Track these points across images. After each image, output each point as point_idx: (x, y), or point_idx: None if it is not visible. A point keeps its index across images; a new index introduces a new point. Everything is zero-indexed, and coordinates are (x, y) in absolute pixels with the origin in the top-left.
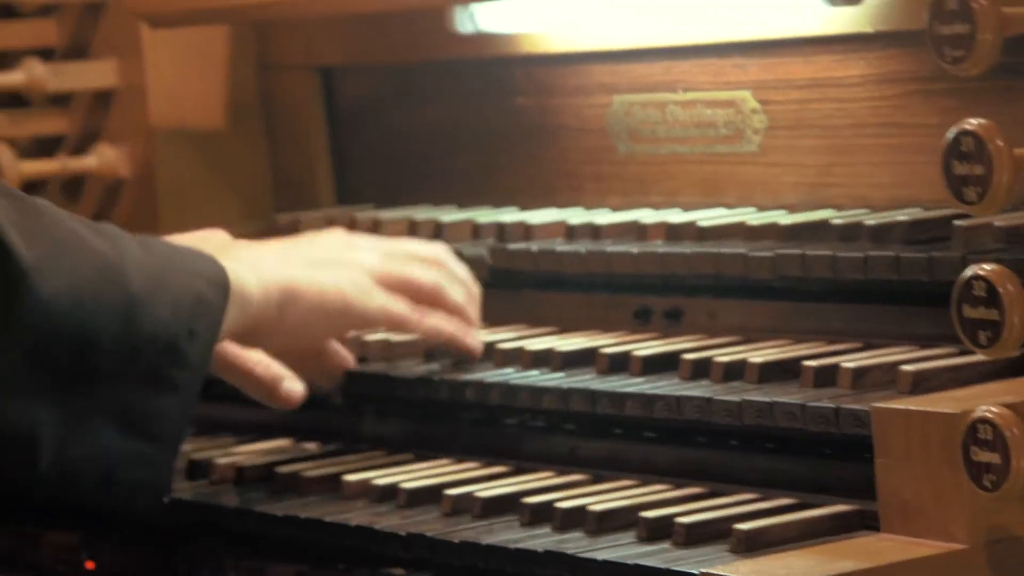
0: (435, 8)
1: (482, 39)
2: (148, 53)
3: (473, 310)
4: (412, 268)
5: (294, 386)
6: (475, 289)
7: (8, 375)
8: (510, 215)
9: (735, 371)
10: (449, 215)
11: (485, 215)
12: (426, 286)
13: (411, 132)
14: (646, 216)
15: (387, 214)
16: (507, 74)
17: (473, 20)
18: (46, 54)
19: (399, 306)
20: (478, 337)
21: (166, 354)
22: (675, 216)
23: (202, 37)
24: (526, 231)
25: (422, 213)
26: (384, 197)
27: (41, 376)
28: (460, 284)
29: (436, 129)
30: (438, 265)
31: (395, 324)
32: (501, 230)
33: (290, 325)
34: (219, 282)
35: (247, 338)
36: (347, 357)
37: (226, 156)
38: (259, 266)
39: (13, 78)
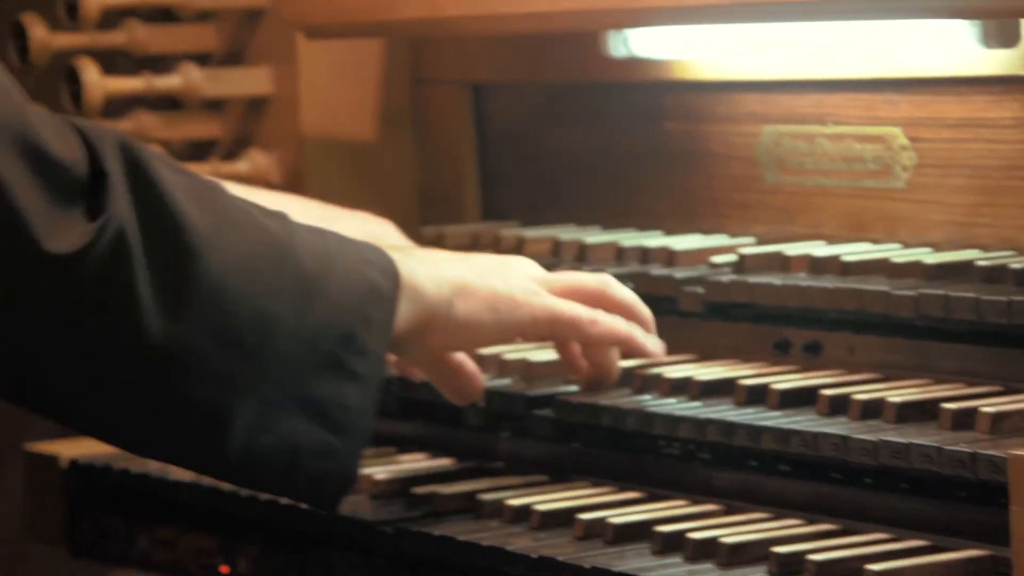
0: (590, 31)
1: (635, 63)
2: (303, 63)
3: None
4: (578, 275)
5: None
6: (645, 310)
7: (197, 355)
8: (654, 239)
9: (873, 409)
10: (593, 236)
11: (629, 238)
12: (595, 287)
13: (559, 152)
14: (790, 248)
15: (531, 232)
16: (657, 99)
17: (627, 45)
18: (202, 59)
19: (571, 306)
20: (656, 342)
21: (343, 342)
22: (819, 249)
23: (357, 49)
24: (669, 256)
25: (566, 233)
26: (529, 215)
27: (229, 358)
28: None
29: (584, 150)
30: (604, 288)
31: (566, 324)
32: (644, 254)
33: (460, 322)
34: (390, 271)
35: (419, 333)
36: (480, 377)
37: (375, 167)
38: (431, 263)
39: (170, 82)
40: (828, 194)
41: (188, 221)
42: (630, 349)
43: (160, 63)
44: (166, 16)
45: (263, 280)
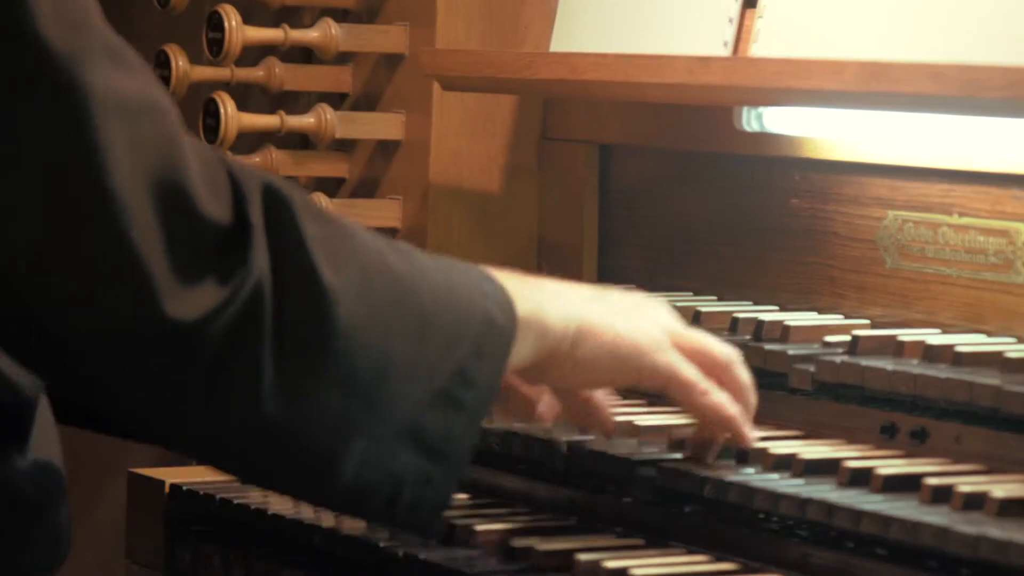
0: (724, 105)
1: (765, 138)
2: (436, 112)
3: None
4: (708, 339)
5: (552, 405)
6: (754, 399)
7: (317, 409)
8: (769, 314)
9: (975, 501)
10: (709, 306)
11: (745, 310)
12: (720, 359)
13: (681, 218)
14: (905, 334)
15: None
16: (785, 175)
17: (760, 120)
18: (337, 100)
19: (690, 369)
20: (753, 432)
21: (455, 375)
22: (934, 337)
23: (489, 102)
24: (783, 331)
25: (683, 300)
26: (645, 279)
27: (350, 405)
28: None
29: (706, 219)
30: (729, 362)
31: (680, 386)
32: (759, 327)
33: (580, 362)
34: (507, 306)
35: (537, 369)
36: (610, 417)
37: (497, 220)
38: (561, 300)
39: (304, 121)
40: (946, 283)
41: (325, 283)
42: (730, 430)
43: (294, 101)
44: (305, 56)
45: (386, 324)
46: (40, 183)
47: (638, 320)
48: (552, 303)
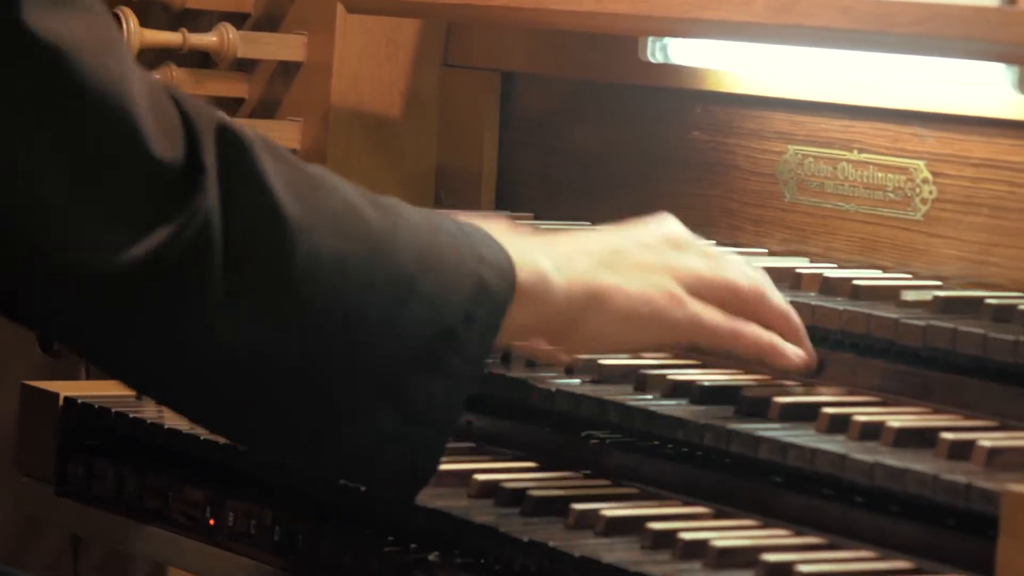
0: (631, 35)
1: (668, 69)
2: (339, 34)
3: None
4: (731, 272)
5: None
6: (797, 320)
7: (288, 347)
8: None
9: (871, 432)
10: None
11: None
12: (747, 291)
13: (581, 149)
14: (802, 267)
15: (546, 225)
16: (687, 107)
17: (664, 51)
18: (239, 20)
19: (713, 315)
20: (798, 352)
21: (440, 337)
22: (831, 271)
23: (392, 26)
24: None
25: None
26: (543, 209)
27: (315, 355)
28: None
29: (605, 150)
30: (760, 295)
31: (707, 337)
32: None
33: (591, 331)
34: (503, 269)
35: (545, 334)
36: None
37: (396, 146)
38: (566, 263)
39: (206, 39)
40: (844, 218)
41: (282, 208)
42: (771, 361)
43: (195, 20)
44: None
45: (358, 271)
46: None
47: (652, 273)
48: (560, 267)
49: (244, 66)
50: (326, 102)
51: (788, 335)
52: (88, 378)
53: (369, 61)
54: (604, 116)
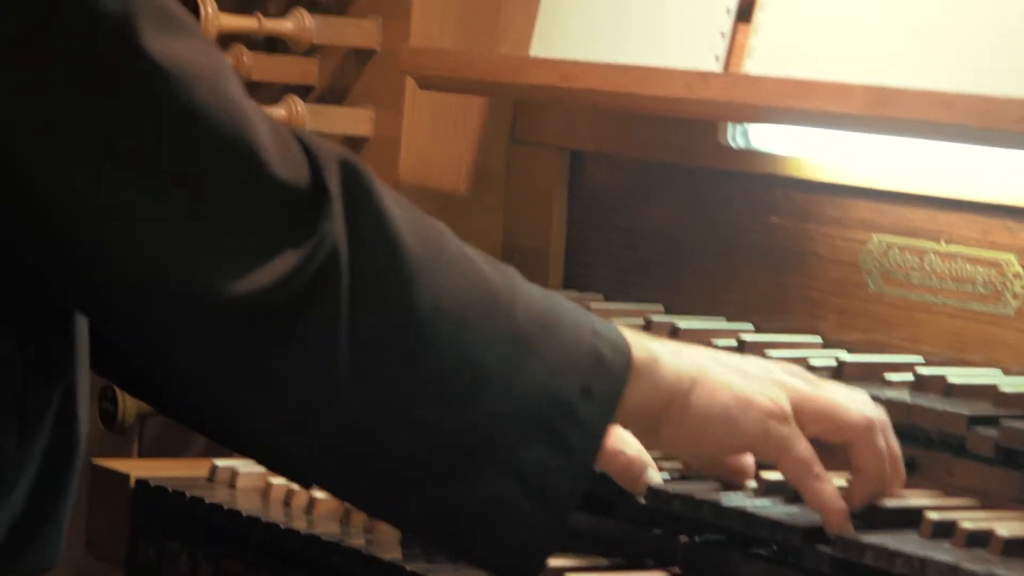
0: (719, 121)
1: (748, 154)
2: (408, 110)
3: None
4: (841, 399)
5: (655, 477)
6: (901, 471)
7: (398, 399)
8: (747, 332)
9: (979, 540)
10: (685, 321)
11: (720, 326)
12: (854, 422)
13: (652, 230)
14: (890, 361)
15: (618, 307)
16: (766, 192)
17: (746, 136)
18: (302, 92)
19: (804, 448)
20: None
21: (556, 407)
22: (923, 367)
23: (460, 102)
24: (762, 352)
25: (657, 315)
26: (612, 290)
27: (430, 404)
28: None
29: (678, 231)
30: (867, 432)
31: (791, 465)
32: (740, 346)
33: (692, 420)
34: (619, 346)
35: (648, 422)
36: (748, 464)
37: (463, 222)
38: (676, 351)
39: (275, 112)
40: (931, 311)
41: (405, 248)
42: (829, 523)
43: (257, 92)
44: (271, 46)
45: (474, 327)
46: (99, 149)
47: (759, 382)
48: (669, 354)
49: None
50: (394, 177)
51: (882, 477)
52: (141, 454)
53: (438, 137)
54: (677, 197)
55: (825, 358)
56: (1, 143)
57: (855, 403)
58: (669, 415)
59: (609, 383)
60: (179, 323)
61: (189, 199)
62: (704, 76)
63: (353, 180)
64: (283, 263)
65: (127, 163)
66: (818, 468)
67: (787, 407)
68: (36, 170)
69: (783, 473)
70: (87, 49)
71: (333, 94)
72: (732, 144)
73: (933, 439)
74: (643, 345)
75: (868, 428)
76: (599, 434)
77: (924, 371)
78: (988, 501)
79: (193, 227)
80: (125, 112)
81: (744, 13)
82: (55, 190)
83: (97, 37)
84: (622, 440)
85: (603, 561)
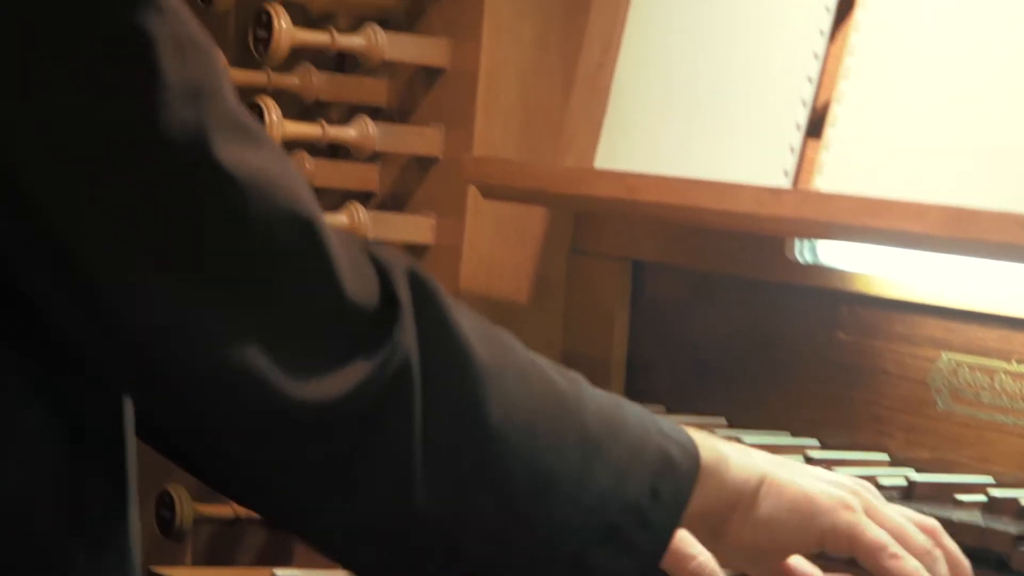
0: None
1: (815, 269)
2: (470, 218)
3: None
4: (906, 510)
5: None
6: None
7: (467, 510)
8: (813, 448)
9: None
10: (749, 436)
11: (785, 442)
12: (920, 523)
13: (715, 341)
14: (960, 482)
15: (679, 419)
16: (832, 307)
17: (813, 252)
18: (361, 198)
19: (877, 530)
20: None
21: (625, 510)
22: (994, 488)
23: (521, 211)
24: (829, 469)
25: (721, 429)
26: (674, 402)
27: (500, 516)
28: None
29: (741, 343)
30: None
31: (867, 549)
32: (806, 463)
33: (759, 519)
34: (686, 446)
35: (715, 522)
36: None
37: (523, 331)
38: (743, 454)
39: (336, 220)
40: (1002, 431)
41: (475, 357)
42: None
43: (323, 198)
44: (332, 151)
45: (545, 434)
46: (175, 260)
47: (827, 483)
48: (736, 455)
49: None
50: (455, 286)
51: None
52: (195, 561)
53: (499, 246)
54: (741, 309)
55: (893, 476)
56: (76, 254)
57: (918, 514)
58: (735, 516)
59: (677, 484)
60: (251, 428)
61: (264, 309)
62: (775, 192)
63: (421, 290)
64: (355, 373)
65: (202, 273)
66: (895, 548)
67: (853, 502)
68: (110, 279)
69: (860, 561)
70: (160, 161)
71: (394, 201)
72: (799, 259)
73: (1008, 564)
74: (710, 445)
75: (937, 532)
76: (667, 536)
77: (996, 493)
78: None
79: (267, 336)
80: (201, 223)
81: (814, 128)
82: (126, 297)
83: (170, 148)
84: (688, 542)
85: None
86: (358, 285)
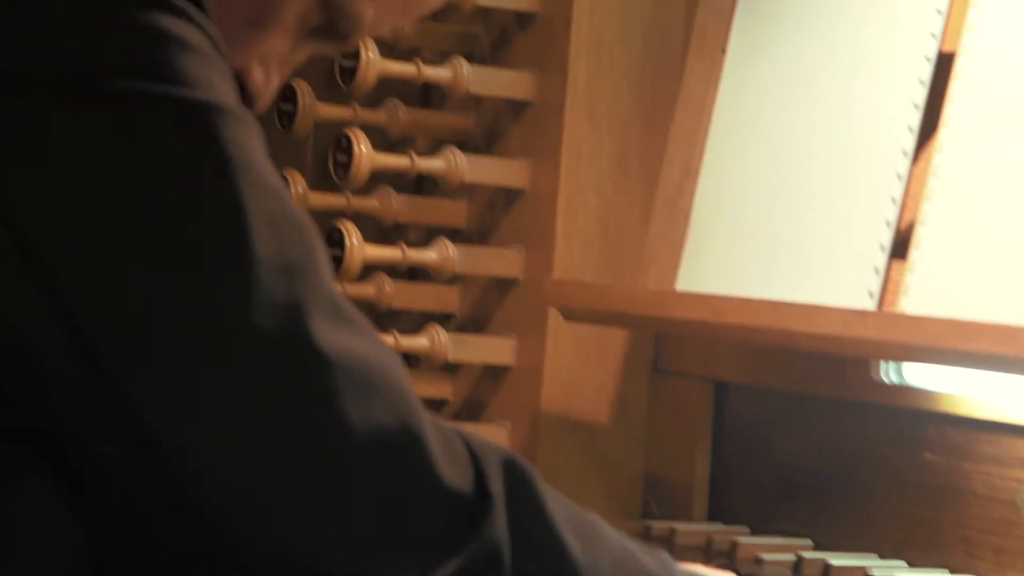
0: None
1: (901, 390)
2: (550, 339)
3: None
4: None
5: None
6: None
7: None
8: (901, 571)
9: None
10: (836, 558)
11: (873, 563)
12: None
13: (799, 462)
14: None
15: (764, 541)
16: (919, 428)
17: (900, 373)
18: (442, 320)
19: None
20: None
21: None
22: None
23: (601, 332)
24: None
25: (807, 551)
26: (758, 523)
27: None
28: None
29: (826, 464)
30: None
31: None
32: None
33: None
34: None
35: None
36: None
37: (604, 452)
38: None
39: (416, 343)
40: None
41: (569, 550)
42: None
43: (402, 320)
44: (411, 274)
45: None
46: (264, 439)
47: None
48: None
49: (448, 367)
50: (535, 406)
51: None
52: None
53: (580, 367)
54: (826, 430)
55: None
56: (180, 437)
57: None
58: None
59: None
60: None
61: (356, 498)
62: (862, 315)
63: (516, 480)
64: (444, 570)
65: (295, 457)
66: None
67: None
68: (201, 463)
69: None
70: (255, 339)
71: (474, 323)
72: (885, 380)
73: None
74: None
75: None
76: None
77: None
78: None
79: (355, 528)
80: (293, 404)
81: (898, 249)
82: (212, 476)
83: (265, 325)
84: None
85: None
86: (454, 476)
